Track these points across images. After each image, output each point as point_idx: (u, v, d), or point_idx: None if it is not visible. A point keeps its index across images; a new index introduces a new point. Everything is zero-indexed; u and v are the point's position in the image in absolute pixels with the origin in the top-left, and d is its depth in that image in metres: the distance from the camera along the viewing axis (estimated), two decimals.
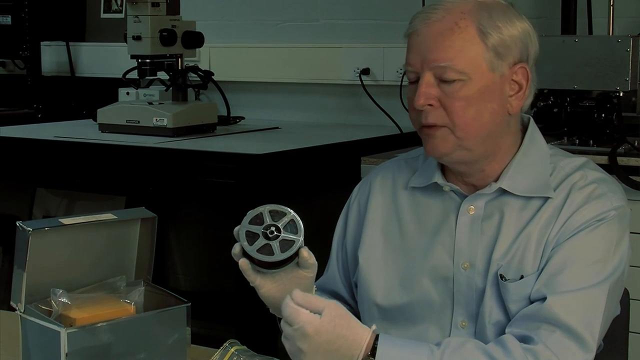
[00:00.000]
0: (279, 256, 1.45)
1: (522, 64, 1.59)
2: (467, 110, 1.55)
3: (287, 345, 1.42)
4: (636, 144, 2.73)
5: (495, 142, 1.60)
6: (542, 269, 1.54)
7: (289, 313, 1.39)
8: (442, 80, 1.54)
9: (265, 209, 1.48)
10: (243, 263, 1.48)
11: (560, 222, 1.55)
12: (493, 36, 1.55)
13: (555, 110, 2.84)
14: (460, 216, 1.62)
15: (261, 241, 1.45)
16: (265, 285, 1.50)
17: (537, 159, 1.62)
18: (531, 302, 1.53)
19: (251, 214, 1.48)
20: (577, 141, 2.82)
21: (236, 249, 1.48)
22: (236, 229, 1.48)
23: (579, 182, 1.58)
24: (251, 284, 1.51)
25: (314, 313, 1.39)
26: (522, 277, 1.55)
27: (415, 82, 1.57)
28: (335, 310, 1.41)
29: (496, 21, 1.56)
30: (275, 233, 1.45)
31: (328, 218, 2.13)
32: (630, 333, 1.82)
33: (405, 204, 1.69)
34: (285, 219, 1.46)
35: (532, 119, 1.67)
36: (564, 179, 1.59)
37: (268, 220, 1.46)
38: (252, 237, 1.46)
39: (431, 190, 1.67)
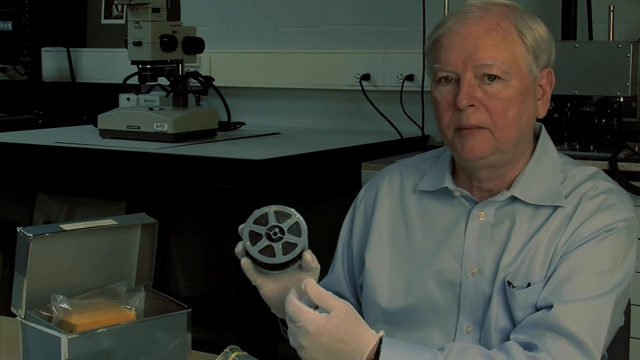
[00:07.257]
0: (280, 258, 1.44)
1: (548, 69, 1.60)
2: (509, 111, 1.54)
3: (290, 340, 1.42)
4: (637, 149, 2.73)
5: (522, 146, 1.60)
6: (550, 277, 1.54)
7: (291, 310, 1.38)
8: (482, 81, 1.54)
9: (270, 210, 1.46)
10: (245, 262, 1.47)
11: (569, 231, 1.55)
12: (529, 38, 1.55)
13: (555, 115, 2.84)
14: (470, 222, 1.61)
15: (264, 242, 1.44)
16: (267, 286, 1.49)
17: (548, 167, 1.62)
18: (537, 310, 1.53)
19: (256, 213, 1.46)
20: (577, 147, 2.81)
21: (239, 248, 1.47)
22: (240, 227, 1.46)
23: (590, 191, 1.58)
24: (253, 283, 1.51)
25: (323, 311, 1.38)
26: (529, 284, 1.54)
27: (447, 82, 1.56)
28: (343, 314, 1.40)
29: (528, 22, 1.57)
30: (279, 235, 1.44)
31: (329, 223, 2.13)
32: (631, 339, 1.82)
33: (413, 208, 1.69)
34: (290, 221, 1.45)
35: (543, 127, 1.67)
36: (574, 188, 1.59)
37: (273, 221, 1.45)
38: (255, 237, 1.44)
39: (440, 195, 1.66)
